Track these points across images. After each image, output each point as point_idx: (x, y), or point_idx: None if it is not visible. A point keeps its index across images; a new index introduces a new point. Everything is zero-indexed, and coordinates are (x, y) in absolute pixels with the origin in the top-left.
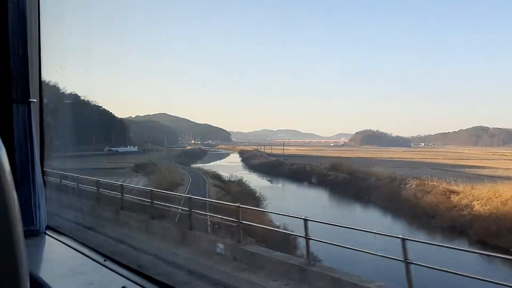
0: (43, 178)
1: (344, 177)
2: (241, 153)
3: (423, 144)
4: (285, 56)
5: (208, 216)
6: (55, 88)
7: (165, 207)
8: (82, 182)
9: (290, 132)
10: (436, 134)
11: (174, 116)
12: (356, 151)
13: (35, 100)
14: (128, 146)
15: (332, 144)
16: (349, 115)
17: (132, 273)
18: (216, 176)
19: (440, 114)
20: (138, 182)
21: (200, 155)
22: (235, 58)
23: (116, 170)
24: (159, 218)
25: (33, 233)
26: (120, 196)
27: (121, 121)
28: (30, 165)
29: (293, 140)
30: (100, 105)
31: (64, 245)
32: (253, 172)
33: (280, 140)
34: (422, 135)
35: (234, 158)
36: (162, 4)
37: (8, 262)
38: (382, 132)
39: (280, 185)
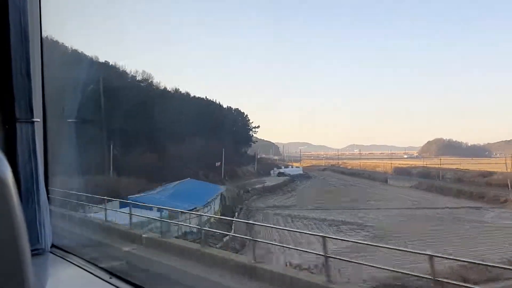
0: (47, 196)
1: None
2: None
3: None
4: (293, 61)
5: None
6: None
7: None
8: None
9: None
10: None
11: None
12: (468, 163)
13: (38, 120)
14: (290, 167)
15: (406, 157)
16: (359, 125)
17: None
18: None
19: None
20: None
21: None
22: (244, 67)
23: None
24: None
25: (38, 251)
26: None
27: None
28: (34, 184)
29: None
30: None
31: (69, 263)
32: None
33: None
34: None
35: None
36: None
37: (15, 282)
38: (456, 141)
39: None
